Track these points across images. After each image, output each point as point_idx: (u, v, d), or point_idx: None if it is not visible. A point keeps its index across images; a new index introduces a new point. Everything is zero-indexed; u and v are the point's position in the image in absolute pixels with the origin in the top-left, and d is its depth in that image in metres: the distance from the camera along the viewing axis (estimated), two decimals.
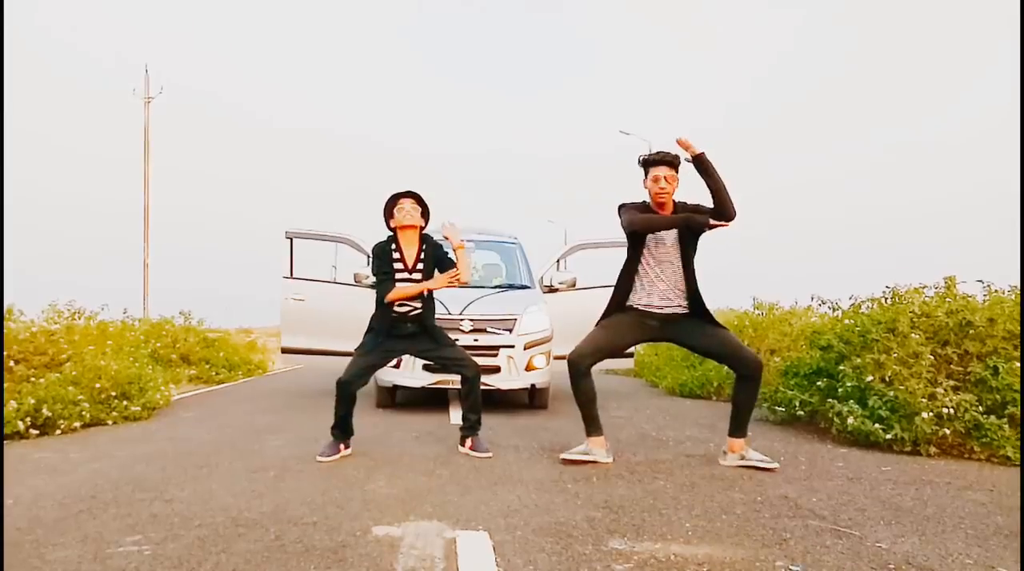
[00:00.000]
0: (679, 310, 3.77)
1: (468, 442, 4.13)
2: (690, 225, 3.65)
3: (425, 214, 4.16)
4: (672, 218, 3.66)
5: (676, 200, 3.78)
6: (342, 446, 4.00)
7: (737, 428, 3.79)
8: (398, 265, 4.06)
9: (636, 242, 3.76)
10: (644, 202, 3.79)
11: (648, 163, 3.72)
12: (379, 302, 4.08)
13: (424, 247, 4.12)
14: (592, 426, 3.86)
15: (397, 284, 4.03)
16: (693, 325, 3.79)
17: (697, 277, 3.75)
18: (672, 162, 3.67)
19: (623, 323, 3.82)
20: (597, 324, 3.91)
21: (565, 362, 3.85)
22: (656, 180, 3.66)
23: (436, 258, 4.13)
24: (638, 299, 3.79)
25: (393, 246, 4.10)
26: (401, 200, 4.09)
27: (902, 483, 3.42)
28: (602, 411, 3.97)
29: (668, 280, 3.74)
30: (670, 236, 3.73)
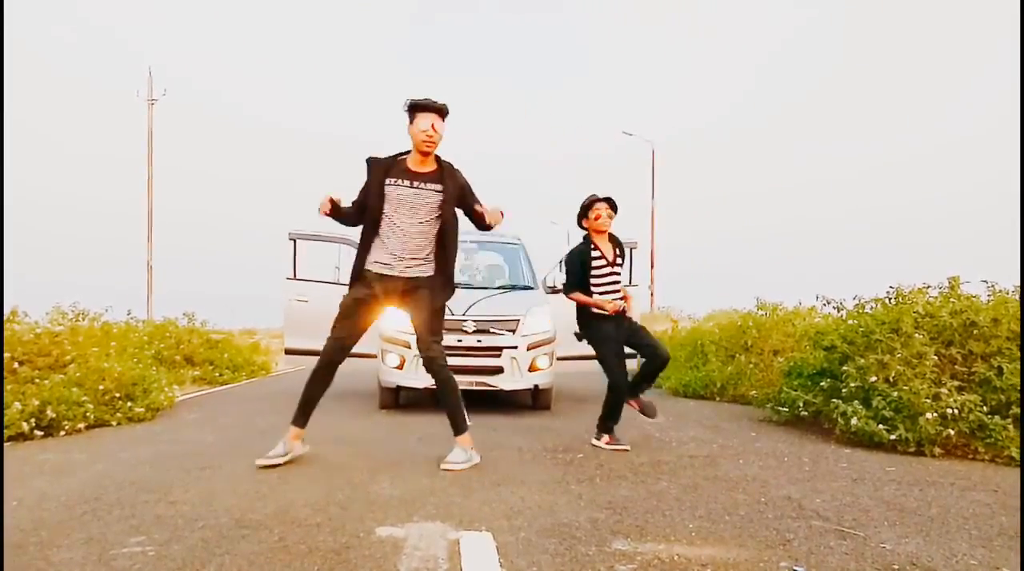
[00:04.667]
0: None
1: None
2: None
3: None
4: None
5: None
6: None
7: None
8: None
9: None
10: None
11: (415, 108, 3.54)
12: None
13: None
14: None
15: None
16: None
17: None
18: (441, 110, 3.56)
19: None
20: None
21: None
22: (425, 129, 3.51)
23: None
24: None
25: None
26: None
27: (906, 484, 3.41)
28: None
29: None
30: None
